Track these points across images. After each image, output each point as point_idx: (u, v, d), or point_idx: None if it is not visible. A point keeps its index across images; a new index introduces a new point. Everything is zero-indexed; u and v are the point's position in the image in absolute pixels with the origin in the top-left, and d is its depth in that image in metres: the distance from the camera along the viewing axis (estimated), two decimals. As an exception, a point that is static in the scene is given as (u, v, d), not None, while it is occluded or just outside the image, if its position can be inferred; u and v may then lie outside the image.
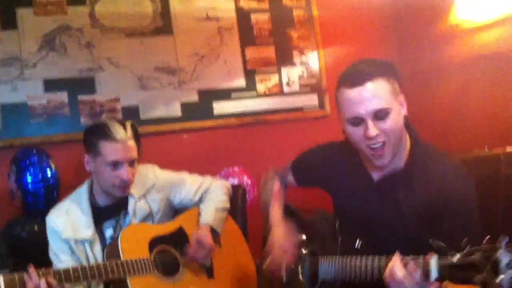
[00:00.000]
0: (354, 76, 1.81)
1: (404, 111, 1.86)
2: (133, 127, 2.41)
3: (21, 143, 3.11)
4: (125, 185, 2.36)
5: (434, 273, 1.51)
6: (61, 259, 2.35)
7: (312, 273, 2.00)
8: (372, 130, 1.77)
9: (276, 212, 2.22)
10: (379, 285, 1.70)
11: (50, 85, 3.25)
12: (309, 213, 2.26)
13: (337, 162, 2.07)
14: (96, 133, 2.34)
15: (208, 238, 2.43)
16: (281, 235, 2.09)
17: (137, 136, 2.44)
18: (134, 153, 2.36)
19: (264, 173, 2.44)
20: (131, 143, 2.35)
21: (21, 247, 2.74)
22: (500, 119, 3.22)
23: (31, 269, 2.02)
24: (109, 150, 2.30)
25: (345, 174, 2.03)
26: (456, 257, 1.47)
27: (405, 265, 1.58)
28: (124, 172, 2.32)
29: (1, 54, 3.18)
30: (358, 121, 1.81)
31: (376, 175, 1.94)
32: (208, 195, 2.61)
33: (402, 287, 1.57)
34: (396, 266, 1.58)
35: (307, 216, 2.23)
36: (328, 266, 1.88)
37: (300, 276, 2.05)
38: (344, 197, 2.03)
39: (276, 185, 2.31)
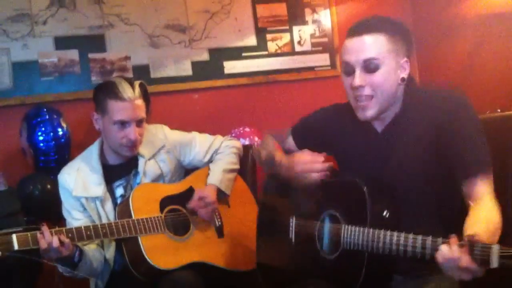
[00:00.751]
0: (357, 27, 1.85)
1: (403, 75, 1.84)
2: (142, 86, 2.39)
3: (32, 100, 3.12)
4: (132, 145, 2.36)
5: (494, 262, 1.44)
6: (74, 215, 2.38)
7: (333, 241, 1.93)
8: (358, 79, 1.81)
9: (281, 154, 2.14)
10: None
11: (61, 42, 3.23)
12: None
13: (341, 121, 2.04)
14: (105, 91, 2.33)
15: (211, 195, 2.44)
16: (304, 154, 2.02)
17: (146, 96, 2.43)
18: (141, 113, 2.35)
19: (261, 139, 2.41)
20: (139, 102, 2.34)
21: (33, 204, 2.78)
22: (514, 80, 3.18)
23: (44, 227, 2.05)
24: (116, 109, 2.29)
25: (350, 131, 2.00)
26: None
27: (461, 247, 1.50)
28: (131, 131, 2.31)
29: (11, 11, 3.16)
30: (349, 70, 1.84)
31: (380, 128, 1.93)
32: (217, 155, 2.61)
33: (456, 270, 1.51)
34: (453, 249, 1.51)
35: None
36: (355, 236, 1.81)
37: (317, 243, 1.99)
38: (351, 156, 2.00)
39: (274, 141, 2.26)
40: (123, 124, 2.30)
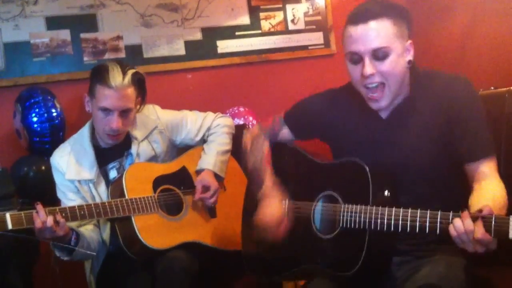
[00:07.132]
0: (359, 13, 1.81)
1: (409, 57, 1.84)
2: (136, 76, 2.34)
3: (25, 82, 3.11)
4: (114, 134, 2.33)
5: None
6: (69, 197, 2.39)
7: (330, 220, 1.92)
8: (368, 68, 1.78)
9: (269, 179, 2.10)
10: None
11: (52, 22, 3.20)
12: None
13: (339, 106, 2.02)
14: (96, 75, 2.31)
15: (212, 181, 2.46)
16: (272, 210, 2.01)
17: (140, 85, 2.38)
18: (127, 103, 2.30)
19: (247, 130, 2.31)
20: (127, 92, 2.29)
21: (28, 186, 2.78)
22: (508, 58, 3.17)
23: (39, 206, 2.05)
24: (101, 95, 2.27)
25: (350, 117, 1.98)
26: None
27: (475, 220, 1.54)
28: (113, 120, 2.28)
29: (1, -9, 3.14)
30: (357, 58, 1.81)
31: (384, 114, 1.92)
32: (210, 136, 2.61)
33: (470, 243, 1.55)
34: (466, 223, 1.55)
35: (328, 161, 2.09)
36: (356, 214, 1.81)
37: (313, 224, 1.99)
38: (351, 141, 1.97)
39: (265, 146, 2.18)
40: (106, 111, 2.28)
